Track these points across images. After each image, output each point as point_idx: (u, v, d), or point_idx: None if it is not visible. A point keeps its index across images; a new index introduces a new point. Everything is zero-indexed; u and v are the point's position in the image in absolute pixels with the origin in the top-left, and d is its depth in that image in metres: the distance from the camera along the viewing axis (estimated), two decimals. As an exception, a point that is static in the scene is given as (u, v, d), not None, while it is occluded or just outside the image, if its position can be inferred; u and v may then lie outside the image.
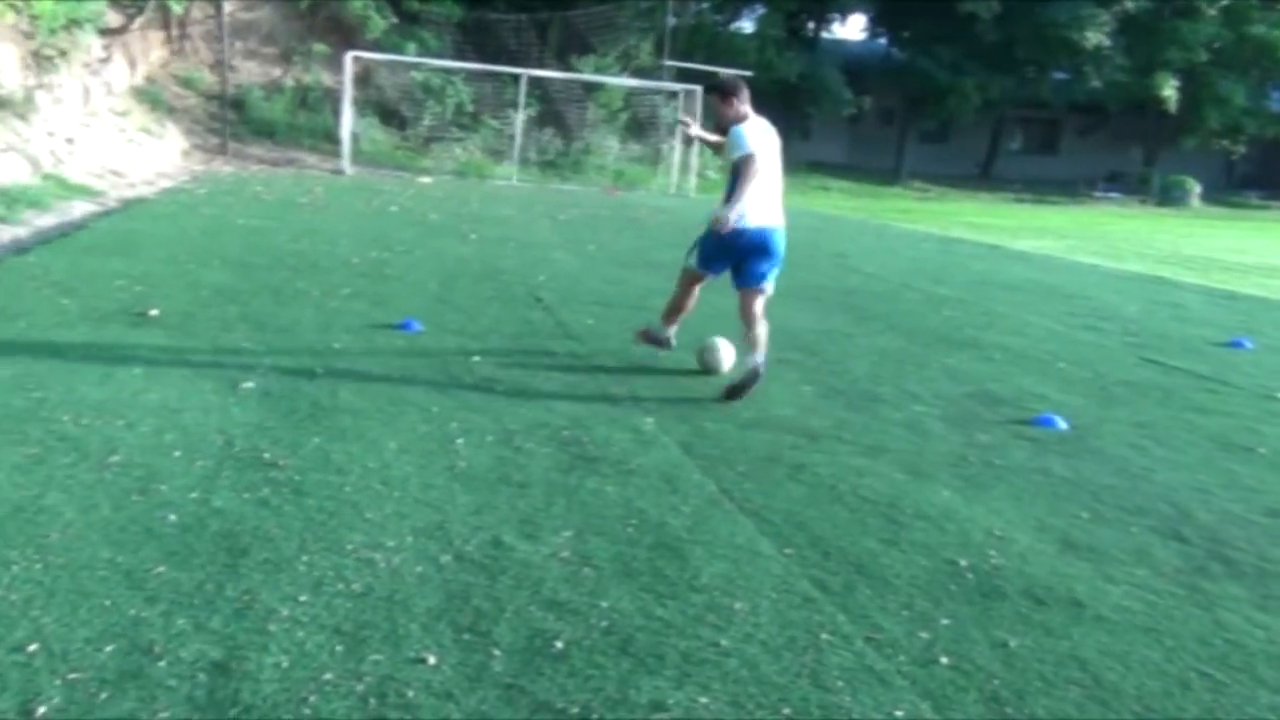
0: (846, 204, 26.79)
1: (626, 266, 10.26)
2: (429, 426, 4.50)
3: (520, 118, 23.66)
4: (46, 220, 10.21)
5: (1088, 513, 4.12)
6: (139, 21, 19.94)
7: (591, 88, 25.74)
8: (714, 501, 3.88)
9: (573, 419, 4.78)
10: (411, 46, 23.92)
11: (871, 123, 37.92)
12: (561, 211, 16.45)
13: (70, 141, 14.24)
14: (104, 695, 2.31)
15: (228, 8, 21.67)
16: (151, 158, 17.30)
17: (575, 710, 2.41)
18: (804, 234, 16.21)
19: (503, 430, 4.52)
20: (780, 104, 33.20)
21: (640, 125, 26.53)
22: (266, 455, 3.95)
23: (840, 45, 39.33)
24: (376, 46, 23.50)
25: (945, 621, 3.04)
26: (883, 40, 39.62)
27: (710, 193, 6.49)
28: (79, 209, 11.38)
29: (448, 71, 23.93)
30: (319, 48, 23.97)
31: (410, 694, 2.42)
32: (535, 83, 24.11)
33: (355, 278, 8.20)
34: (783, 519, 3.76)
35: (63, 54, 15.14)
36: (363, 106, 23.33)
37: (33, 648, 2.47)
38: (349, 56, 21.26)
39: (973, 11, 31.37)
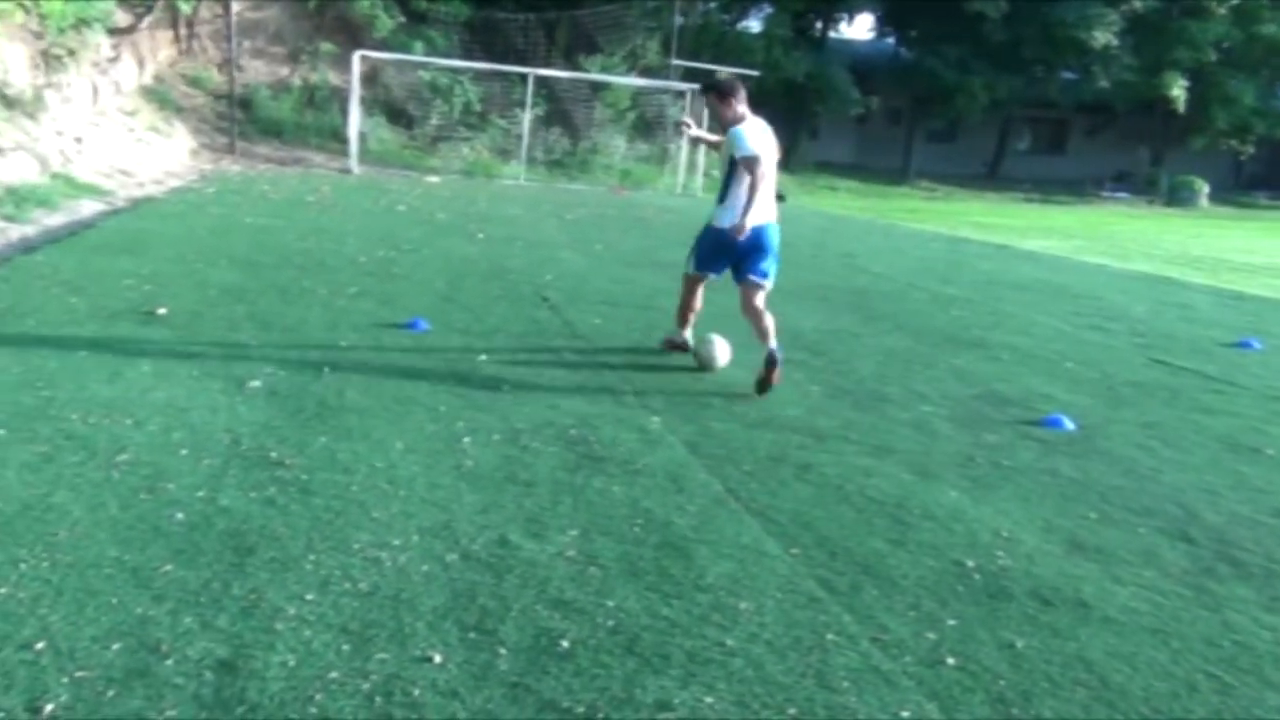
0: (854, 204, 26.76)
1: (633, 266, 10.26)
2: (435, 426, 4.51)
3: (527, 117, 23.65)
4: (55, 219, 10.24)
5: (1095, 513, 4.11)
6: (147, 21, 19.99)
7: (598, 87, 25.73)
8: (720, 501, 3.88)
9: (579, 418, 4.78)
10: (419, 46, 23.94)
11: (879, 122, 37.85)
12: (568, 211, 16.46)
13: (79, 141, 14.27)
14: (111, 693, 2.32)
15: (235, 7, 21.69)
16: (159, 157, 17.34)
17: (581, 709, 2.41)
18: (811, 233, 16.23)
19: (509, 429, 4.53)
20: (787, 104, 33.25)
21: (647, 125, 26.52)
22: (273, 454, 3.96)
23: (847, 45, 39.27)
24: (384, 46, 23.51)
25: (952, 622, 3.04)
26: (890, 40, 39.55)
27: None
28: (87, 208, 11.41)
29: (455, 71, 23.94)
30: (326, 47, 24.00)
31: (416, 692, 2.42)
32: (542, 82, 24.11)
33: (362, 277, 8.21)
34: (789, 519, 3.76)
35: (71, 53, 15.18)
36: (370, 106, 23.34)
37: (40, 645, 2.48)
38: (356, 56, 21.28)
39: (980, 11, 31.29)
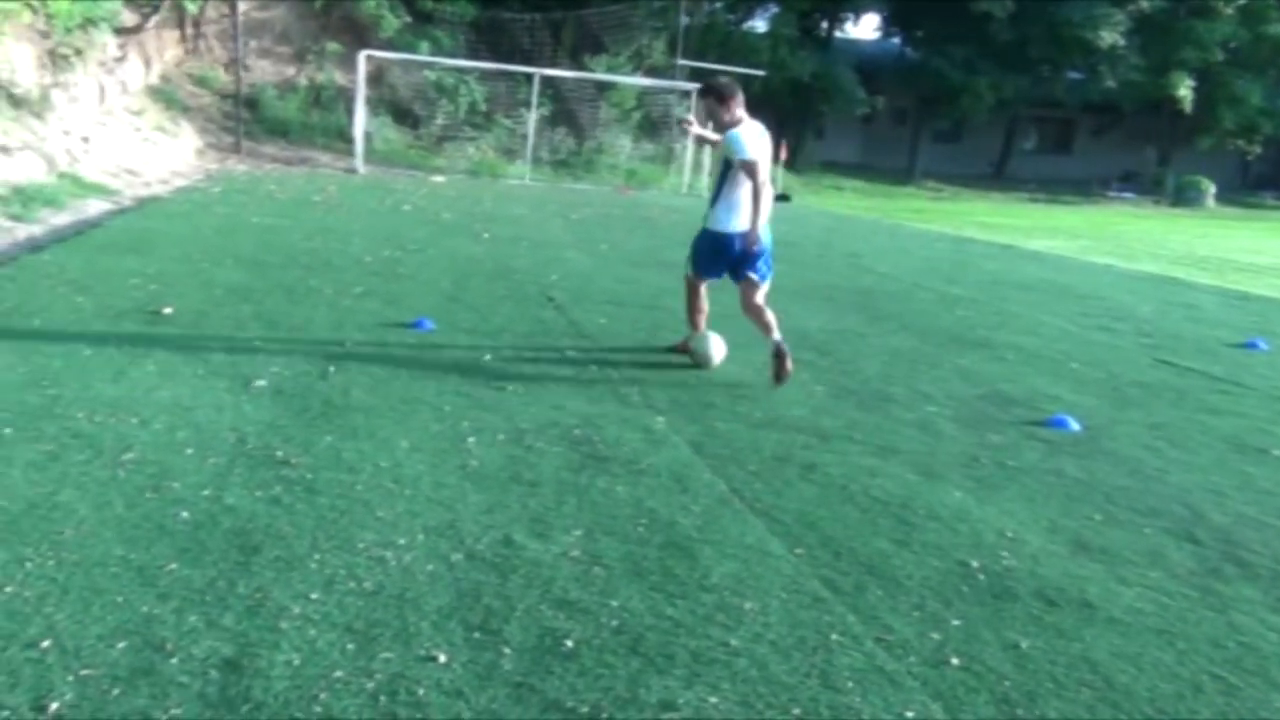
0: (860, 204, 26.74)
1: (639, 266, 10.26)
2: (441, 425, 4.51)
3: (533, 117, 23.67)
4: (62, 218, 10.26)
5: (1100, 514, 4.11)
6: (154, 21, 20.03)
7: (604, 87, 25.75)
8: (724, 501, 3.88)
9: (584, 418, 4.79)
10: (425, 46, 23.97)
11: (885, 122, 37.85)
12: (574, 211, 16.46)
13: (86, 140, 14.31)
14: (116, 691, 2.33)
15: (242, 7, 21.74)
16: (166, 156, 17.37)
17: (585, 709, 2.42)
18: (817, 233, 16.22)
19: (514, 429, 4.53)
20: (793, 103, 33.29)
21: (653, 124, 26.52)
22: (279, 453, 3.97)
23: (854, 45, 39.25)
24: (390, 46, 23.54)
25: (956, 622, 3.04)
26: (896, 40, 39.52)
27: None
28: (94, 207, 11.43)
29: (461, 71, 23.96)
30: (332, 47, 24.03)
31: (421, 692, 2.43)
32: (548, 82, 24.13)
33: (368, 276, 8.22)
34: (793, 519, 3.76)
35: (78, 53, 15.22)
36: (376, 105, 23.38)
37: (46, 644, 2.49)
38: (362, 55, 21.30)
39: (987, 11, 31.25)
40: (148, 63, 20.26)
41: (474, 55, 24.43)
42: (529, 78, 23.44)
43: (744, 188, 5.75)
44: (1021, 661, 2.84)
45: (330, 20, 24.42)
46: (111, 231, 9.63)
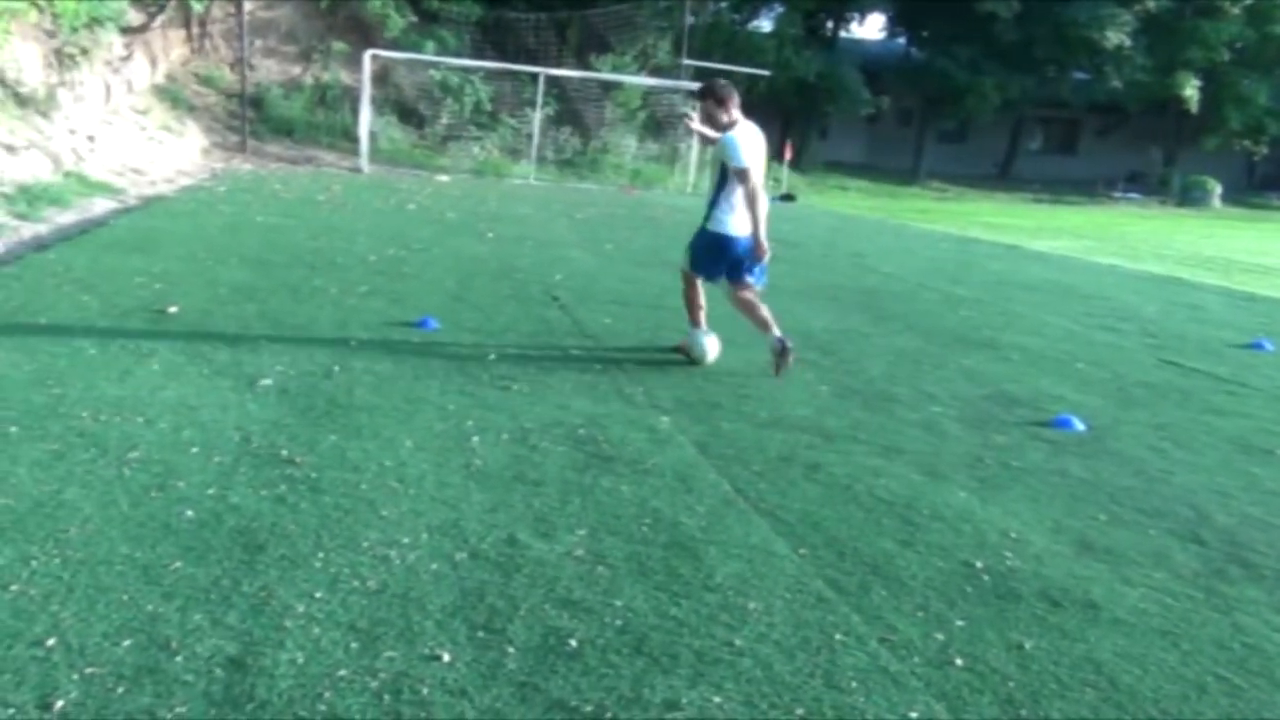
0: (864, 204, 26.73)
1: (643, 265, 10.26)
2: (445, 424, 4.51)
3: (538, 116, 23.69)
4: (67, 217, 10.28)
5: (1105, 515, 4.10)
6: (160, 20, 20.07)
7: (609, 87, 25.76)
8: (729, 501, 3.88)
9: (588, 418, 4.79)
10: (430, 45, 23.99)
11: (890, 122, 37.82)
12: (578, 210, 16.47)
13: (91, 139, 14.33)
14: (121, 690, 2.33)
15: (248, 6, 21.77)
16: (171, 155, 17.40)
17: (589, 709, 2.42)
18: (821, 233, 16.22)
19: (518, 429, 4.53)
20: (798, 103, 33.28)
21: (658, 124, 26.54)
22: (283, 452, 3.97)
23: (859, 45, 39.26)
24: (395, 45, 23.58)
25: (960, 623, 3.03)
26: (901, 40, 39.52)
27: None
28: (100, 206, 11.45)
29: (466, 70, 23.99)
30: (338, 46, 24.07)
31: (425, 691, 2.43)
32: (553, 82, 24.15)
33: (373, 276, 8.23)
34: (798, 519, 3.76)
35: (84, 52, 15.25)
36: (381, 105, 23.41)
37: (51, 642, 2.49)
38: (368, 55, 21.33)
39: (992, 11, 31.24)
40: (153, 62, 20.29)
41: (479, 55, 24.47)
42: (534, 77, 23.46)
43: (740, 190, 5.83)
44: (1025, 662, 2.84)
45: (336, 19, 24.46)
46: (117, 230, 9.65)
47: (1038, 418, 5.54)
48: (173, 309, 6.33)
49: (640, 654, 2.68)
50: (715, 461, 4.33)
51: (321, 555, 3.09)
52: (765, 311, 6.01)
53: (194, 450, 3.91)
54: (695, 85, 24.24)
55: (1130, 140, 39.06)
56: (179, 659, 2.47)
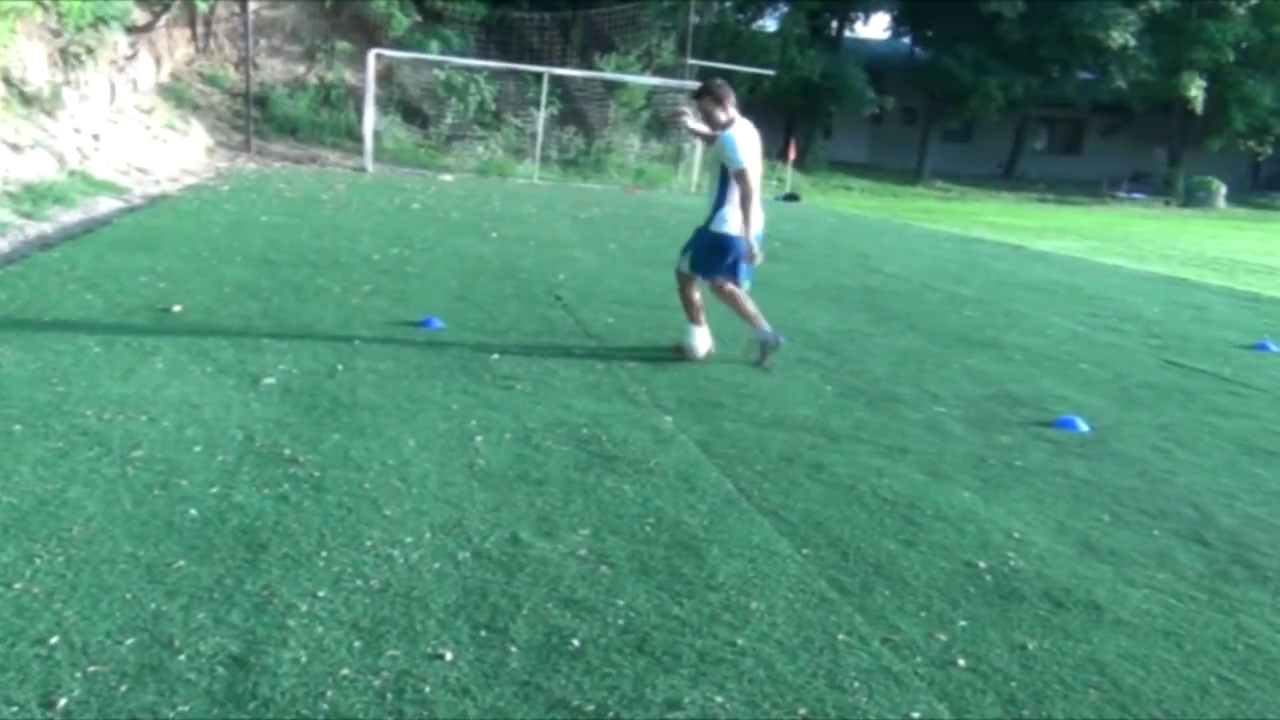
0: (868, 203, 26.71)
1: (646, 265, 10.26)
2: (448, 424, 4.52)
3: (542, 116, 23.68)
4: (72, 216, 10.29)
5: (1108, 515, 4.10)
6: (165, 19, 20.07)
7: (613, 86, 25.75)
8: (731, 501, 3.88)
9: (591, 417, 4.79)
10: (434, 45, 24.00)
11: (894, 122, 37.79)
12: (582, 210, 16.47)
13: (96, 138, 14.35)
14: (124, 688, 2.33)
15: (252, 5, 21.77)
16: (176, 154, 17.42)
17: (591, 708, 2.42)
18: (825, 233, 16.21)
19: (521, 428, 4.53)
20: (802, 102, 33.26)
21: (662, 124, 26.50)
22: (287, 451, 3.98)
23: (863, 44, 39.26)
24: (400, 44, 23.58)
25: (963, 623, 3.03)
26: (906, 39, 39.52)
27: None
28: (104, 205, 11.46)
29: (470, 70, 23.99)
30: (342, 45, 24.08)
31: (427, 690, 2.43)
32: (557, 81, 24.14)
33: (376, 275, 8.24)
34: (800, 519, 3.76)
35: (89, 51, 15.26)
36: (385, 104, 23.41)
37: (54, 640, 2.50)
38: (372, 54, 21.33)
39: (997, 11, 31.22)
40: (158, 61, 20.32)
41: (483, 54, 24.47)
42: (538, 77, 23.45)
43: (741, 196, 5.90)
44: (1028, 662, 2.83)
45: (340, 19, 24.47)
46: (121, 229, 9.66)
47: (1041, 418, 5.54)
48: (177, 308, 6.34)
49: (642, 653, 2.68)
50: (718, 461, 4.33)
51: (324, 554, 3.10)
52: (753, 306, 6.13)
53: (197, 449, 3.92)
54: (699, 85, 24.33)
55: (1135, 140, 39.03)
56: (182, 657, 2.47)
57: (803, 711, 2.49)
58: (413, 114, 24.48)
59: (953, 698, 2.62)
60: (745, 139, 5.88)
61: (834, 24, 36.36)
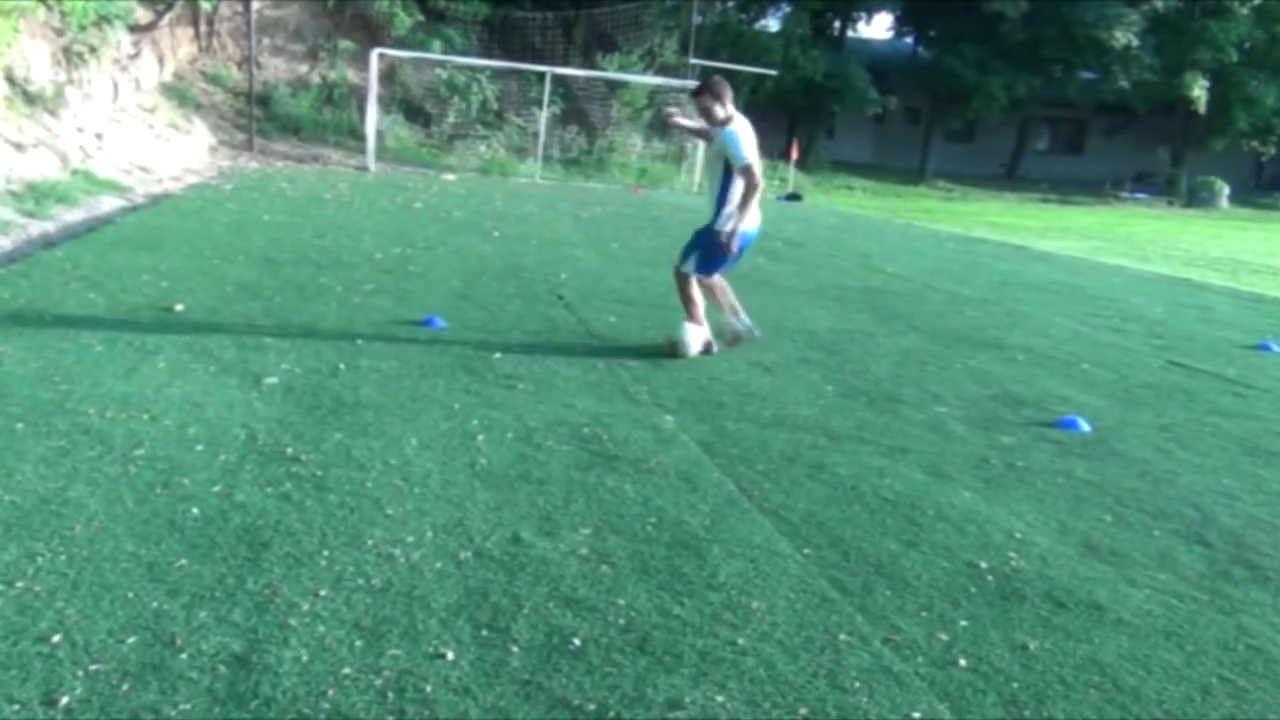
0: (870, 203, 26.70)
1: (648, 265, 10.25)
2: (450, 423, 4.52)
3: (544, 115, 23.68)
4: (75, 215, 10.30)
5: (1110, 516, 4.10)
6: (168, 18, 20.09)
7: (616, 86, 25.75)
8: (733, 500, 3.88)
9: (593, 417, 4.79)
10: (437, 44, 24.02)
11: (897, 122, 37.80)
12: (584, 209, 16.47)
13: (99, 137, 14.36)
14: (125, 686, 2.34)
15: (255, 5, 21.79)
16: (179, 154, 17.43)
17: (592, 707, 2.42)
18: (827, 233, 16.21)
19: (523, 427, 4.54)
20: (805, 103, 33.25)
21: (664, 123, 26.48)
22: (289, 450, 3.98)
23: (866, 44, 39.25)
24: (402, 44, 23.59)
25: (964, 623, 3.03)
26: (909, 39, 39.50)
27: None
28: (107, 204, 11.47)
29: (473, 69, 23.99)
30: (345, 45, 24.10)
31: (428, 689, 2.43)
32: (560, 81, 24.14)
33: (378, 274, 8.24)
34: (802, 519, 3.76)
35: (92, 50, 15.27)
36: (388, 104, 23.42)
37: (56, 638, 2.50)
38: (375, 54, 21.34)
39: (1000, 10, 31.20)
40: (161, 60, 20.33)
41: (486, 54, 24.47)
42: (541, 76, 23.45)
43: (741, 189, 5.93)
44: (1029, 663, 2.83)
45: (343, 18, 24.48)
46: (124, 228, 9.66)
47: (1043, 418, 5.53)
48: (179, 307, 6.34)
49: (643, 653, 2.68)
50: (719, 461, 4.33)
51: (326, 553, 3.10)
52: (732, 295, 6.35)
53: (199, 448, 3.93)
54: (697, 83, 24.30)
55: (1138, 140, 38.99)
56: (184, 656, 2.48)
57: (804, 711, 2.49)
58: (415, 113, 24.49)
59: (954, 698, 2.62)
60: (746, 136, 5.91)
61: (837, 24, 36.35)
